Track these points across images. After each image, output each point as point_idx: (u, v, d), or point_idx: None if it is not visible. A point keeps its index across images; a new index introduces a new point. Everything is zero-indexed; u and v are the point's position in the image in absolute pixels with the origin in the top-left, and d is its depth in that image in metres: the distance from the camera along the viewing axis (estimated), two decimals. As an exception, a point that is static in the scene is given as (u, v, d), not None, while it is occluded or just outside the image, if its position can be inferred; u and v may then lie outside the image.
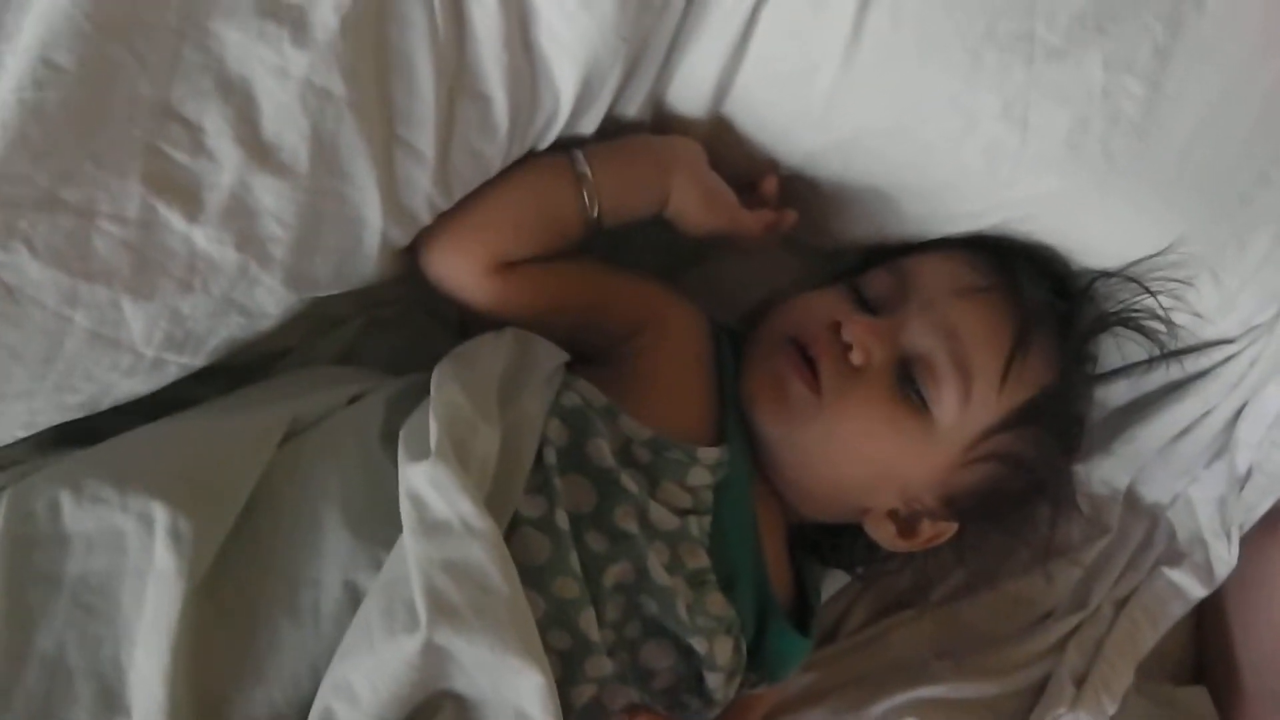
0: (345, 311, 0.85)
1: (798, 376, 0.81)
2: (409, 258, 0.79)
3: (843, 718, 0.90)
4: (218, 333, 0.71)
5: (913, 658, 0.94)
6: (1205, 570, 0.98)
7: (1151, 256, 0.84)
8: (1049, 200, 0.82)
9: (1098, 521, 0.98)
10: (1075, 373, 0.87)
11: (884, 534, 0.85)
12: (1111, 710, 0.91)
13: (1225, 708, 1.00)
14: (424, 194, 0.74)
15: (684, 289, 0.89)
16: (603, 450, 0.75)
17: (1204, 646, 1.04)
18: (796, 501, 0.85)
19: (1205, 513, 0.98)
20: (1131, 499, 1.00)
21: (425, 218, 0.75)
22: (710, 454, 0.79)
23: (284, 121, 0.67)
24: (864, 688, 0.91)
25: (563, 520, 0.72)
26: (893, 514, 0.85)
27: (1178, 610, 0.98)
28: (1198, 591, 0.98)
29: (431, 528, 0.63)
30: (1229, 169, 0.82)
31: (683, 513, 0.77)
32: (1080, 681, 0.93)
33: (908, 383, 0.81)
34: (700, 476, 0.78)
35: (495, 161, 0.76)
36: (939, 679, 0.91)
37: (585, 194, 0.79)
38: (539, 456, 0.74)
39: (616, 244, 0.85)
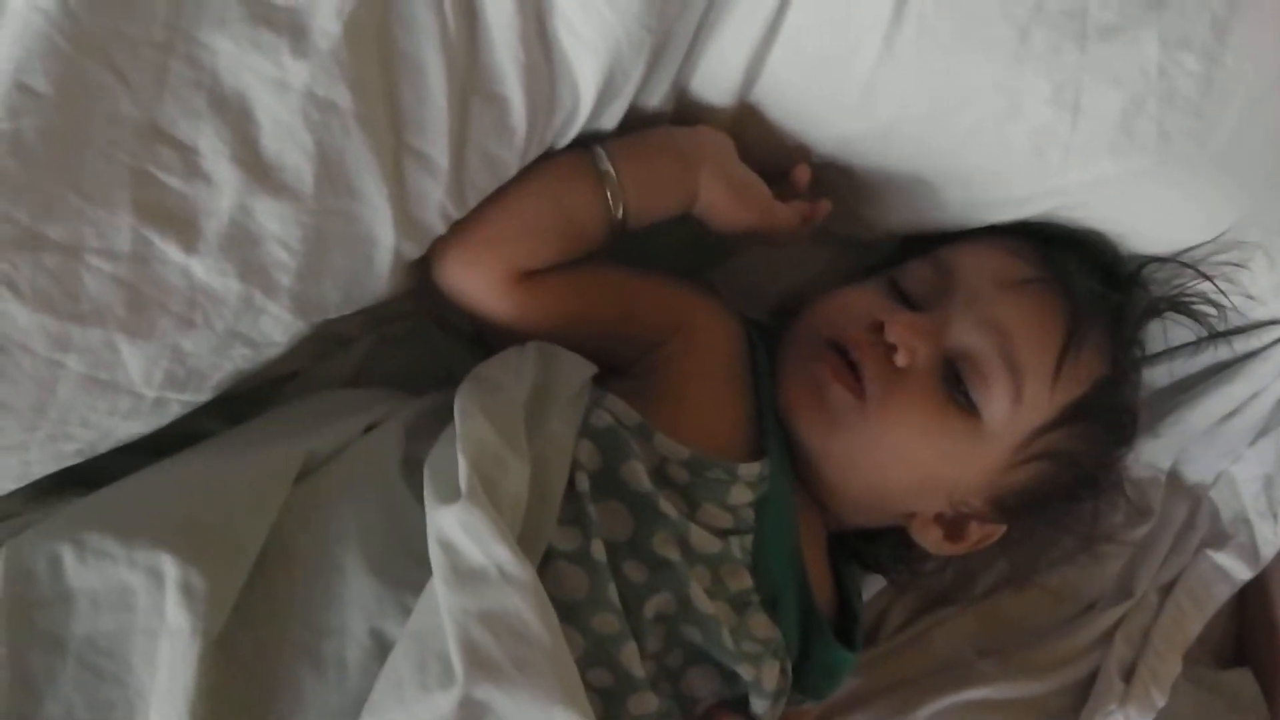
0: (353, 331, 0.80)
1: (839, 382, 0.76)
2: (420, 269, 0.74)
3: (887, 723, 0.86)
4: (222, 367, 0.67)
5: (956, 657, 0.91)
6: (1250, 551, 0.95)
7: (1206, 242, 0.79)
8: (1100, 186, 0.77)
9: (1141, 505, 0.95)
10: (1127, 363, 0.83)
11: (930, 538, 0.81)
12: (1161, 703, 0.88)
13: (1270, 687, 0.97)
14: (437, 205, 0.69)
15: (713, 286, 0.84)
16: (638, 473, 0.71)
17: (1246, 625, 1.01)
18: (838, 509, 0.81)
19: (1249, 492, 0.95)
20: (1174, 480, 0.96)
21: (439, 229, 0.71)
22: (751, 470, 0.74)
23: (285, 139, 0.62)
24: (908, 691, 0.88)
25: (599, 551, 0.68)
26: (939, 517, 0.81)
27: (1223, 593, 0.95)
28: (1243, 574, 0.94)
29: (466, 576, 0.59)
30: (1281, 143, 0.77)
31: (724, 534, 0.73)
32: (1128, 675, 0.90)
33: (955, 383, 0.76)
34: (741, 495, 0.74)
35: (512, 165, 0.71)
36: (984, 680, 0.88)
37: (609, 194, 0.74)
38: (571, 483, 0.69)
39: (636, 243, 0.79)
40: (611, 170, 0.73)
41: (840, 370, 0.76)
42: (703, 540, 0.71)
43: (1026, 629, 0.93)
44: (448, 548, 0.60)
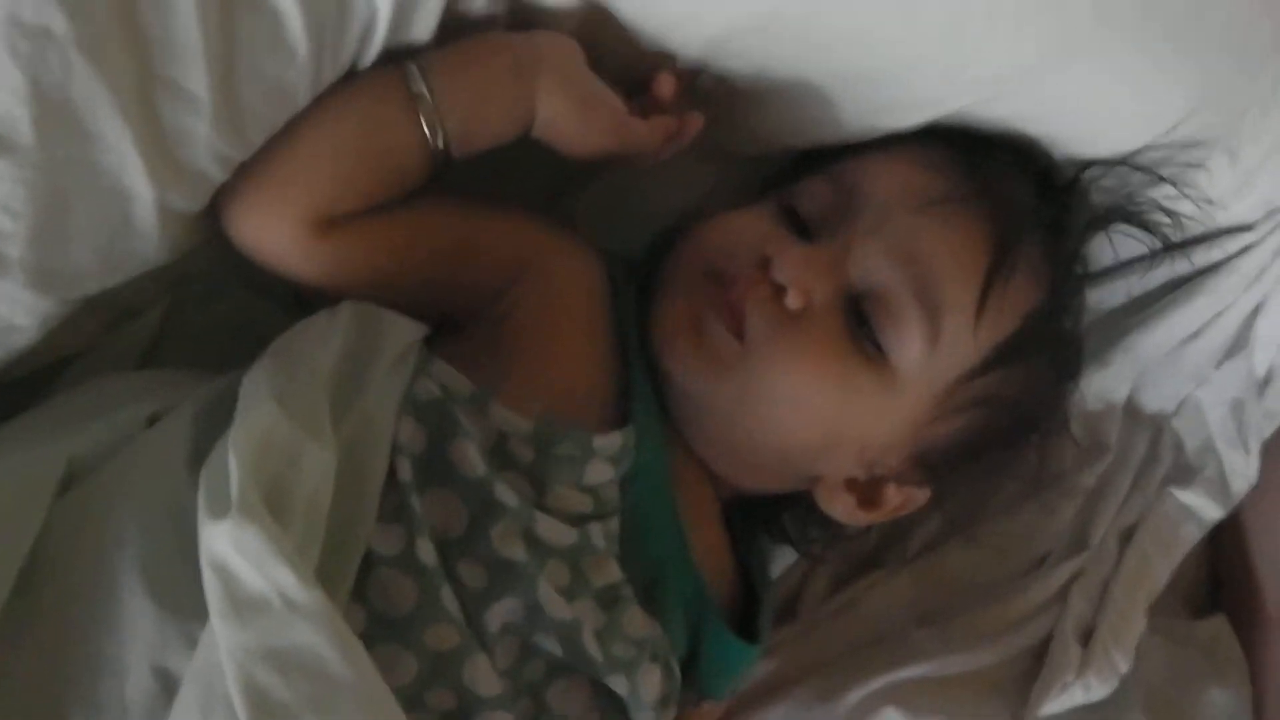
0: (141, 298, 0.67)
1: (717, 315, 0.65)
2: (212, 221, 0.62)
3: (811, 713, 0.75)
4: (-49, 359, 0.55)
5: (889, 628, 0.80)
6: (1219, 486, 0.84)
7: (1157, 137, 0.67)
8: (1024, 75, 0.65)
9: (1094, 442, 0.84)
10: (1068, 287, 0.71)
11: (841, 507, 0.70)
12: (1125, 667, 0.78)
13: (1247, 634, 0.86)
14: (206, 145, 0.57)
15: (571, 219, 0.73)
16: (469, 454, 0.59)
17: (1220, 567, 0.90)
18: (727, 473, 0.70)
19: (1216, 418, 0.84)
20: (1131, 409, 0.85)
21: (216, 173, 0.59)
22: (611, 442, 0.63)
23: (-11, 80, 0.50)
24: (833, 673, 0.77)
25: (427, 553, 0.57)
26: (851, 482, 0.70)
27: (1192, 535, 0.84)
28: (1213, 512, 0.84)
29: (245, 607, 0.50)
30: (1248, 14, 0.65)
31: (581, 520, 0.62)
32: (1087, 637, 0.79)
33: (859, 324, 0.65)
34: (601, 472, 0.63)
35: (300, 91, 0.59)
36: (922, 654, 0.77)
37: (424, 119, 0.62)
38: (392, 471, 0.58)
39: (478, 171, 0.66)
40: (426, 90, 0.61)
41: (719, 305, 0.65)
42: (553, 531, 0.60)
43: (969, 590, 0.81)
44: (221, 573, 0.50)
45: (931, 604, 0.81)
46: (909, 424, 0.67)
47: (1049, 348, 0.70)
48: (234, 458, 0.51)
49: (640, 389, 0.66)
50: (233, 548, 0.49)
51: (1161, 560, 0.83)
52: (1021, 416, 0.71)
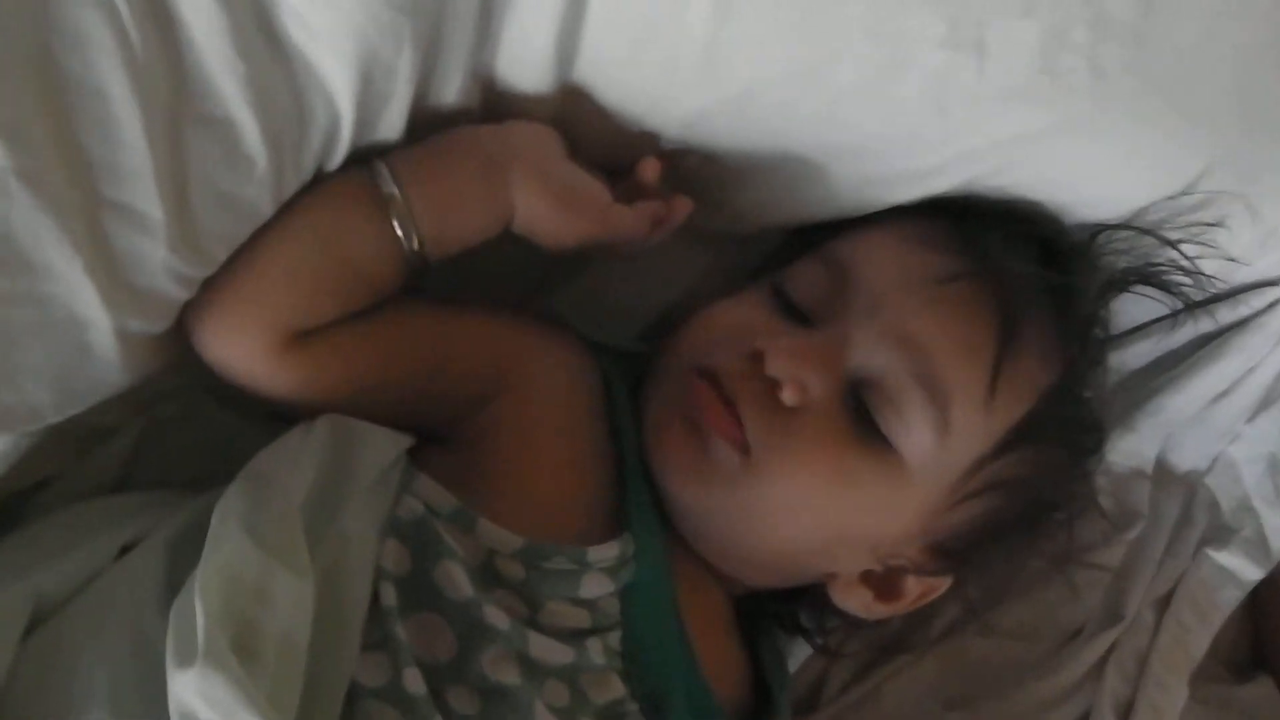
0: (113, 418, 0.64)
1: (718, 432, 0.61)
2: (182, 337, 0.59)
3: (835, 811, 0.71)
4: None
5: (915, 714, 0.76)
6: (1259, 546, 0.80)
7: (1170, 198, 0.63)
8: (1024, 144, 0.62)
9: (1124, 509, 0.79)
10: (1084, 357, 0.67)
11: (857, 602, 0.67)
12: (1168, 744, 0.73)
13: (1295, 697, 0.82)
14: (164, 266, 0.54)
15: (558, 313, 0.70)
16: (455, 576, 0.56)
17: (1261, 625, 0.86)
18: (735, 574, 0.67)
19: (1252, 476, 0.80)
20: (1161, 470, 0.81)
21: (178, 293, 0.56)
22: (607, 553, 0.60)
23: (-79, 217, 0.47)
24: (859, 766, 0.73)
25: (414, 683, 0.54)
26: (867, 576, 0.66)
27: (1231, 599, 0.80)
28: (1252, 574, 0.79)
29: None
30: (1261, 68, 0.61)
31: (579, 636, 0.59)
32: (1126, 713, 0.76)
33: (862, 416, 0.61)
34: (597, 585, 0.60)
35: (261, 203, 0.56)
36: (951, 740, 0.73)
37: (397, 221, 0.58)
38: (376, 597, 0.55)
39: (457, 266, 0.63)
40: (397, 191, 0.58)
41: (716, 411, 0.61)
42: (548, 650, 0.57)
43: (999, 671, 0.77)
44: None
45: (959, 688, 0.77)
46: (923, 514, 0.64)
47: (1068, 424, 0.66)
48: (199, 599, 0.48)
49: (637, 494, 0.63)
50: (200, 698, 0.46)
51: (1201, 628, 0.79)
52: (1043, 497, 0.67)
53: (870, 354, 0.62)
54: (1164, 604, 0.79)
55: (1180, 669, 0.77)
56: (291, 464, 0.57)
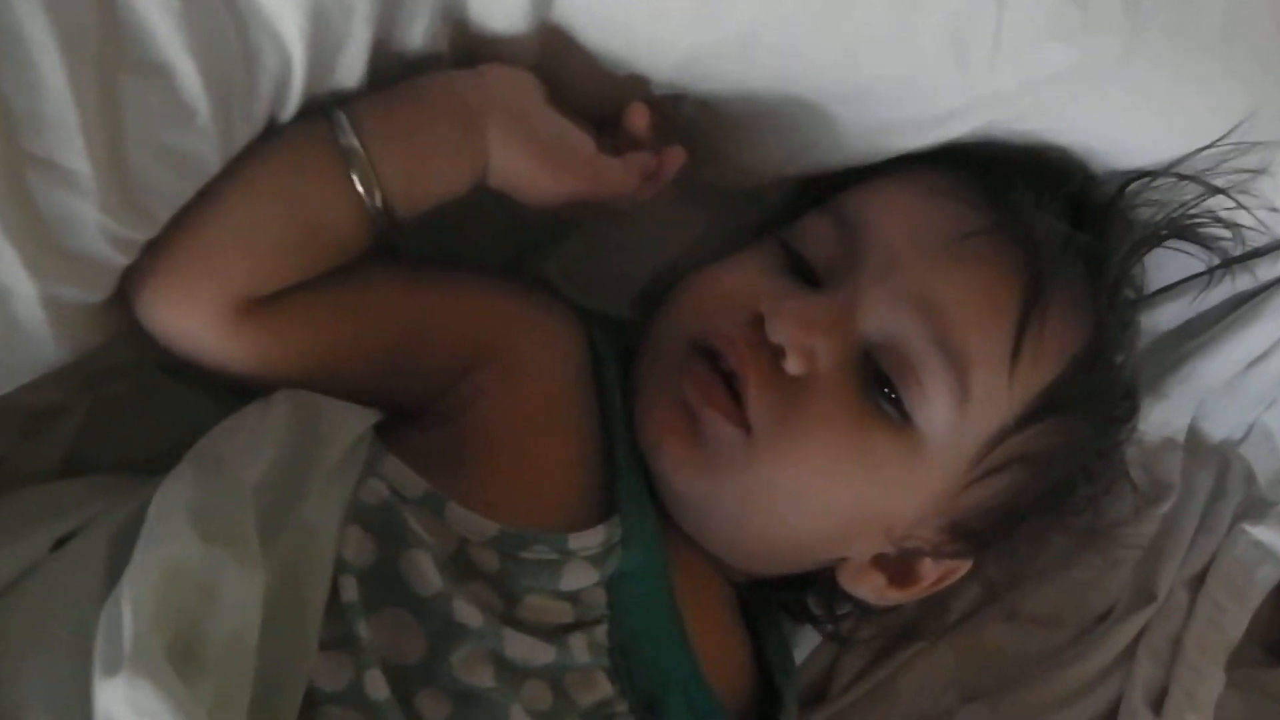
0: (59, 397, 0.59)
1: (715, 409, 0.56)
2: (126, 307, 0.54)
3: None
4: None
5: (933, 707, 0.70)
6: (1298, 520, 0.75)
7: (1210, 146, 0.58)
8: (1051, 86, 0.56)
9: (1155, 481, 0.74)
10: (1115, 320, 0.62)
11: (869, 587, 0.62)
12: (1205, 734, 0.69)
13: (1337, 681, 0.77)
14: (97, 227, 0.49)
15: (546, 279, 0.65)
16: (423, 567, 0.51)
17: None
18: (737, 563, 0.62)
19: (1291, 444, 0.75)
20: (1193, 440, 0.76)
21: (116, 257, 0.51)
22: (590, 540, 0.55)
23: None
24: (871, 763, 0.68)
25: (377, 687, 0.49)
26: (879, 560, 0.61)
27: (1270, 577, 0.74)
28: (1292, 549, 0.75)
29: None
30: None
31: (561, 632, 0.54)
32: (1158, 701, 0.71)
33: (877, 386, 0.56)
34: (581, 575, 0.55)
35: (208, 156, 0.51)
36: (971, 733, 0.68)
37: (358, 176, 0.53)
38: (335, 591, 0.50)
39: (435, 228, 0.58)
40: (358, 144, 0.52)
41: (714, 391, 0.56)
42: (526, 649, 0.52)
43: (1022, 658, 0.72)
44: None
45: (978, 678, 0.72)
46: (941, 492, 0.59)
47: (1097, 392, 0.61)
48: (126, 600, 0.44)
49: (627, 476, 0.58)
50: (128, 709, 0.42)
51: (1237, 608, 0.74)
52: (1070, 471, 0.62)
53: (884, 317, 0.56)
54: (1198, 582, 0.75)
55: (1216, 653, 0.73)
56: (246, 444, 0.52)
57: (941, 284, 0.56)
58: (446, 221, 0.59)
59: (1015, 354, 0.56)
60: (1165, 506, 0.75)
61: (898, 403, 0.56)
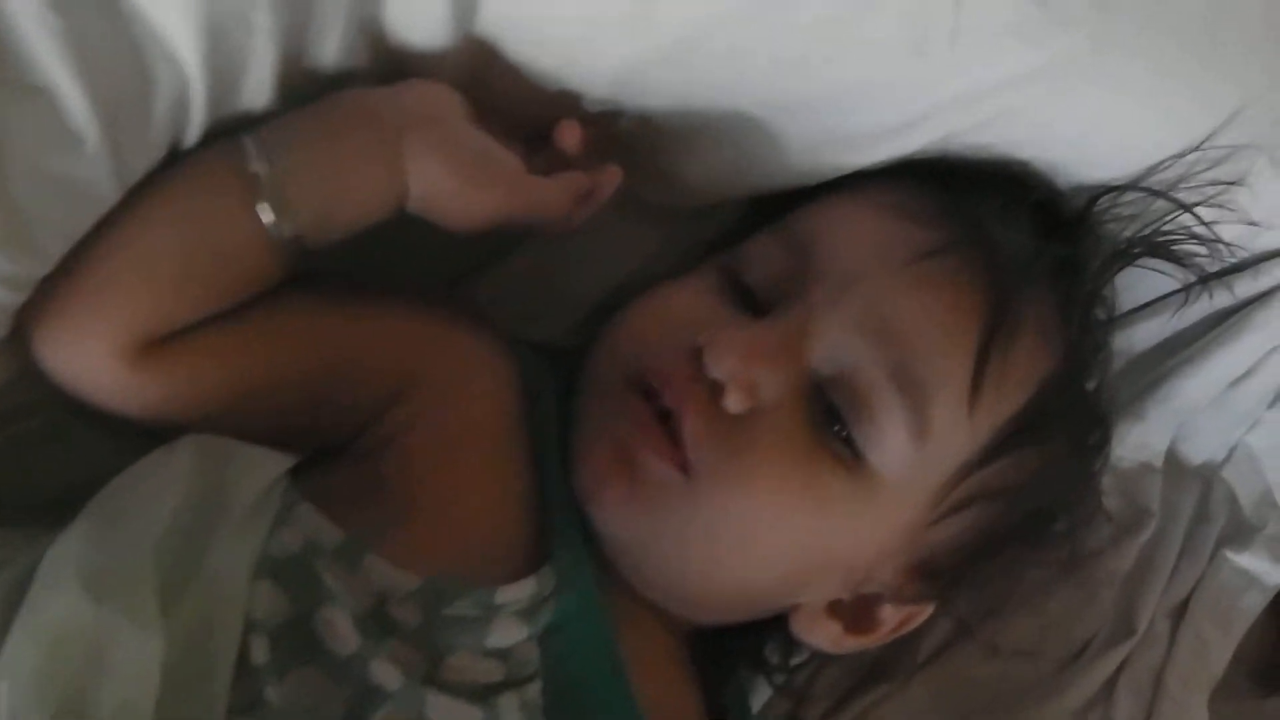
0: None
1: (652, 451, 0.51)
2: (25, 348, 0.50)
3: None
4: None
5: (903, 750, 0.67)
6: (1283, 545, 0.72)
7: (1184, 154, 0.55)
8: (1014, 90, 0.53)
9: (1133, 507, 0.71)
10: (1086, 343, 0.58)
11: (824, 635, 0.58)
12: (1186, 766, 0.66)
13: (1326, 711, 0.75)
14: (-25, 263, 0.44)
15: (479, 304, 0.61)
16: (338, 625, 0.48)
17: (1289, 629, 0.78)
18: (680, 611, 0.58)
19: (1274, 466, 0.73)
20: (1173, 463, 0.73)
21: (5, 295, 0.48)
22: (519, 593, 0.51)
23: None
24: (839, 810, 0.65)
25: None
26: (834, 606, 0.57)
27: (1254, 606, 0.72)
28: (1277, 576, 0.72)
29: None
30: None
31: (490, 692, 0.50)
32: (1140, 737, 0.67)
33: (827, 421, 0.52)
34: (509, 630, 0.51)
35: (102, 184, 0.47)
36: (945, 780, 0.65)
37: (268, 204, 0.49)
38: (244, 652, 0.46)
39: (358, 251, 0.54)
40: (265, 169, 0.49)
41: (650, 430, 0.52)
42: (451, 712, 0.48)
43: (997, 694, 0.68)
44: None
45: (952, 714, 0.68)
46: (901, 532, 0.55)
47: (1067, 420, 0.58)
48: (4, 674, 0.41)
49: (562, 520, 0.54)
50: None
51: (1221, 640, 0.71)
52: (1041, 505, 0.59)
53: (835, 346, 0.53)
54: (1180, 612, 0.72)
55: (1200, 686, 0.70)
56: (147, 495, 0.49)
57: (897, 308, 0.53)
58: (376, 243, 0.55)
59: (977, 384, 0.52)
60: (1144, 535, 0.72)
61: (849, 440, 0.52)
